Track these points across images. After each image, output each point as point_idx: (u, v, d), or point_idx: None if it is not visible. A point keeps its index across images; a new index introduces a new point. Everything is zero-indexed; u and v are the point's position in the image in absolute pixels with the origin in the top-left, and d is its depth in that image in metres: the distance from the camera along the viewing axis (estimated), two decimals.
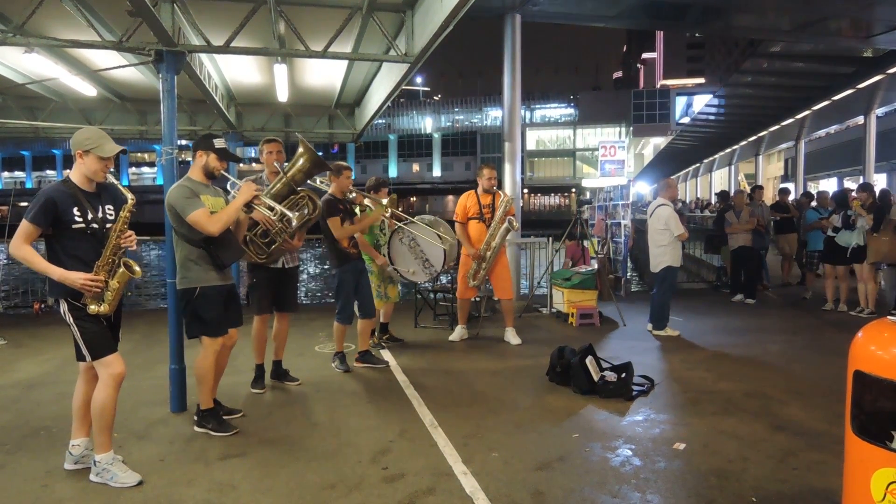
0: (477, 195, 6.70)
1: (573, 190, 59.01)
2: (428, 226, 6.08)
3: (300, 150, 4.59)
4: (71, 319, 3.24)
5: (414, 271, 6.21)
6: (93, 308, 3.21)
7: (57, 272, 3.13)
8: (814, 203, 9.92)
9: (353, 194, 5.59)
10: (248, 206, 4.04)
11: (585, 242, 9.66)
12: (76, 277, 3.14)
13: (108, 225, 3.31)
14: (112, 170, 3.36)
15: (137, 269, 3.30)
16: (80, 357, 3.32)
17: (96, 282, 3.18)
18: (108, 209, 3.35)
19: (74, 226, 3.19)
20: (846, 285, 8.35)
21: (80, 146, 3.24)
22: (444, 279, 8.08)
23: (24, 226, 3.13)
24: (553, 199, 65.82)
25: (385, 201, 6.21)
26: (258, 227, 4.49)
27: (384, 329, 6.72)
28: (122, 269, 3.26)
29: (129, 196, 3.34)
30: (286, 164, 4.72)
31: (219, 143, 4.04)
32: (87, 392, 3.41)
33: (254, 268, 4.84)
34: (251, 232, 4.48)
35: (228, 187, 4.84)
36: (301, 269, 5.39)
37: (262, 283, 4.93)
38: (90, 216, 3.24)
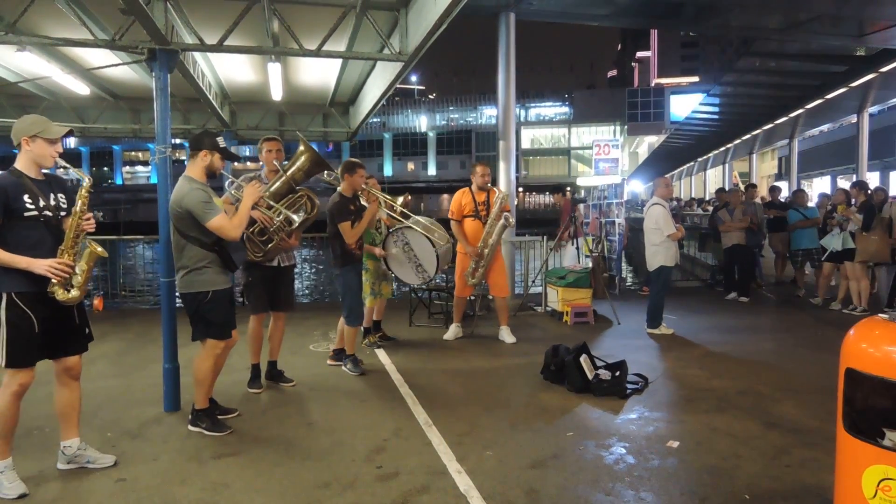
0: (472, 193, 6.70)
1: (568, 188, 59.07)
2: (423, 232, 6.02)
3: (301, 148, 4.57)
4: (3, 319, 3.04)
5: (404, 259, 6.13)
6: (62, 295, 3.11)
7: (22, 261, 3.02)
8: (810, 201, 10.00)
9: (363, 192, 5.57)
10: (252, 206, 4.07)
11: (580, 241, 9.68)
12: (42, 263, 3.04)
13: (62, 213, 3.22)
14: (60, 153, 3.24)
15: (101, 249, 3.22)
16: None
17: (63, 265, 3.08)
18: (60, 197, 3.25)
19: (27, 213, 3.08)
20: (846, 284, 8.36)
21: (26, 132, 3.14)
22: (438, 279, 8.07)
23: None
24: (548, 198, 65.80)
25: (400, 200, 6.18)
26: (256, 225, 4.47)
27: (377, 327, 6.70)
28: (88, 250, 3.16)
29: (86, 178, 3.25)
30: (285, 162, 4.71)
31: (222, 141, 4.03)
32: (63, 393, 3.39)
33: (250, 266, 4.82)
34: (249, 229, 4.46)
35: (226, 186, 4.82)
36: (296, 267, 5.37)
37: (257, 281, 4.92)
38: (42, 203, 3.13)
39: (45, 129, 3.16)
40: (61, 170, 3.36)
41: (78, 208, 3.16)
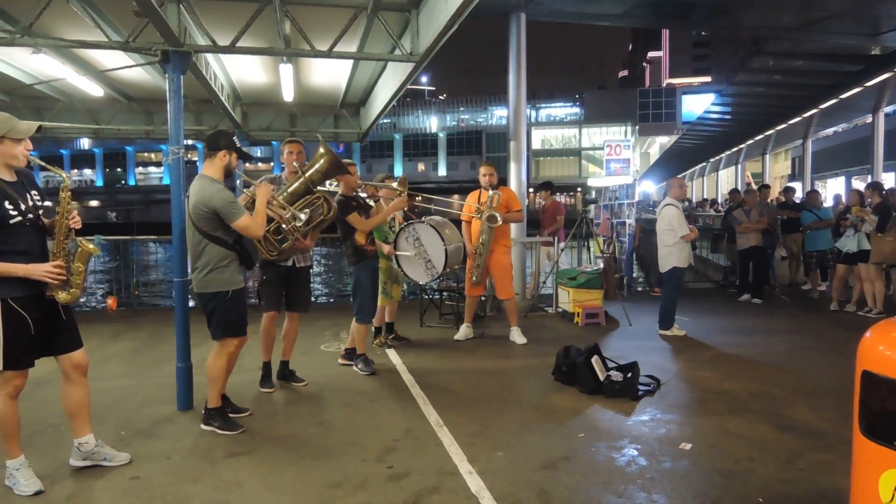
0: (480, 194, 6.73)
1: (579, 189, 58.86)
2: (434, 227, 6.06)
3: (320, 151, 4.59)
4: (0, 324, 3.00)
5: (414, 255, 6.14)
6: (62, 296, 3.12)
7: (20, 269, 3.00)
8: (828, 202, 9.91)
9: (362, 188, 5.61)
10: None
11: (591, 241, 9.65)
12: (39, 269, 3.03)
13: (41, 211, 3.17)
14: (30, 150, 3.15)
15: (92, 246, 3.21)
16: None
17: (59, 269, 3.08)
18: (34, 195, 3.19)
19: (12, 221, 3.00)
20: (860, 285, 8.28)
21: None
22: (450, 279, 8.07)
23: None
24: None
25: (395, 184, 6.19)
26: (272, 224, 4.49)
27: (390, 328, 6.71)
28: (80, 249, 3.16)
29: (65, 177, 3.18)
30: (305, 164, 4.74)
31: (237, 141, 4.09)
32: (72, 391, 3.39)
33: (265, 265, 4.85)
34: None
35: (238, 185, 4.85)
36: (312, 269, 5.38)
37: (272, 280, 4.95)
38: (23, 206, 3.06)
39: (11, 128, 3.05)
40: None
41: (62, 208, 3.12)
